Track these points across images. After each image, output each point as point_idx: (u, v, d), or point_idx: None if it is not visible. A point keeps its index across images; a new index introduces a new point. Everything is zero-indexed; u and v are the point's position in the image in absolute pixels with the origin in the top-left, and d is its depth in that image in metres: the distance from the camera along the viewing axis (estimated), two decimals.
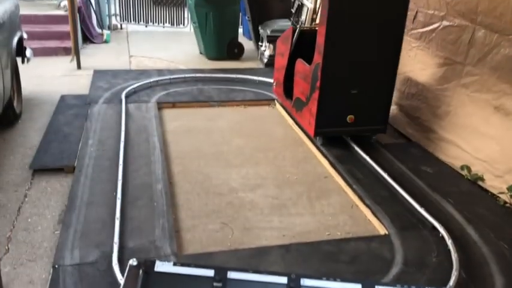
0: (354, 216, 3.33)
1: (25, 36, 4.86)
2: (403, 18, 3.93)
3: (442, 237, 2.95)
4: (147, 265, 1.16)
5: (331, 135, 4.28)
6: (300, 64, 4.39)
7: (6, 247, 2.80)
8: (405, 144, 4.51)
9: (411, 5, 4.50)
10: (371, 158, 3.95)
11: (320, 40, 3.90)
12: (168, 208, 3.19)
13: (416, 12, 4.46)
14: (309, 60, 4.15)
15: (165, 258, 2.64)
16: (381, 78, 4.09)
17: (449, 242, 2.88)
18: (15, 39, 4.46)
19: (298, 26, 4.64)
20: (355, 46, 3.90)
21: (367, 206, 3.35)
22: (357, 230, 3.16)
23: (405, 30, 4.57)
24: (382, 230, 3.12)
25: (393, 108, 4.84)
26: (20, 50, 4.64)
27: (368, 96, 4.10)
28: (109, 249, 2.71)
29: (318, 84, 3.97)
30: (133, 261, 1.16)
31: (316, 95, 4.01)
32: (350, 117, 4.11)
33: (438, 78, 4.22)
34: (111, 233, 2.84)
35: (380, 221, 3.17)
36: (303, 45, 4.50)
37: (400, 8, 3.89)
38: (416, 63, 4.51)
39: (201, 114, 5.03)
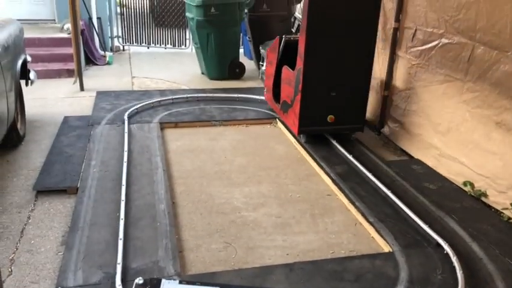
0: (358, 234, 3.32)
1: (29, 59, 4.92)
2: (375, 26, 4.43)
3: (447, 254, 2.93)
4: (153, 284, 1.16)
5: (314, 134, 4.74)
6: (286, 70, 4.85)
7: (10, 269, 2.79)
8: (407, 161, 4.51)
9: (410, 24, 4.57)
10: (373, 175, 3.95)
11: (301, 48, 4.34)
12: (171, 228, 3.18)
13: (416, 30, 4.52)
14: (294, 67, 4.59)
15: (169, 278, 2.63)
16: (357, 81, 4.56)
17: (454, 259, 2.86)
18: (20, 62, 4.52)
19: (283, 36, 5.04)
20: (332, 52, 4.36)
21: (371, 223, 3.34)
22: (361, 248, 3.15)
23: (405, 48, 4.63)
24: (386, 248, 3.10)
25: (394, 125, 4.87)
26: (24, 73, 4.70)
27: (346, 98, 4.56)
28: (112, 270, 2.70)
29: (300, 87, 4.41)
30: (139, 280, 1.16)
31: (299, 97, 4.47)
32: (330, 117, 4.57)
33: (439, 95, 4.25)
34: (114, 253, 2.84)
35: (384, 239, 3.16)
36: (289, 53, 4.84)
37: (372, 17, 4.38)
38: (417, 80, 4.54)
39: (203, 134, 5.06)
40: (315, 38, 4.24)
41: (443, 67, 4.18)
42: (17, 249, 3.00)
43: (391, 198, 3.62)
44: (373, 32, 4.41)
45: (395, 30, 4.79)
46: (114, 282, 2.58)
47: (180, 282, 1.09)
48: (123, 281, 2.60)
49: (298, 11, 7.83)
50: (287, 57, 4.90)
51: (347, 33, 4.31)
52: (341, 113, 4.57)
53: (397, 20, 4.75)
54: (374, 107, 5.21)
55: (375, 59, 5.16)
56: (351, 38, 4.34)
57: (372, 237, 3.27)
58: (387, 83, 4.98)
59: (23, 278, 2.73)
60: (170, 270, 2.74)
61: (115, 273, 2.65)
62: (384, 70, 4.99)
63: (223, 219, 3.43)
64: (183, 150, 4.61)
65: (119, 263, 2.72)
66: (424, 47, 4.42)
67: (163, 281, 1.05)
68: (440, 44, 4.19)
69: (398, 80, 4.86)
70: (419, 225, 3.26)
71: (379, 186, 3.80)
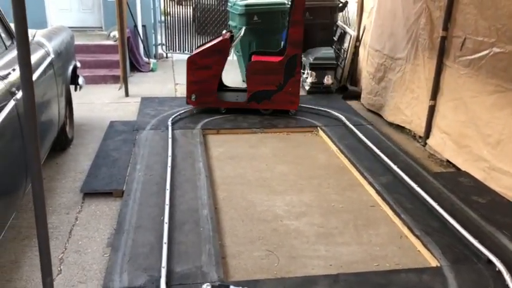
0: (403, 247, 3.24)
1: (78, 65, 5.09)
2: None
3: (499, 271, 2.81)
4: None
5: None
6: (260, 63, 5.61)
7: (59, 268, 2.87)
8: (454, 173, 4.38)
9: (459, 32, 4.45)
10: (419, 186, 3.85)
11: (297, 37, 5.41)
12: (214, 234, 3.20)
13: (465, 39, 4.39)
14: None
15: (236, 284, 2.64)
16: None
17: (507, 276, 2.74)
18: (70, 68, 4.69)
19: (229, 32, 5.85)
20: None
21: (417, 236, 3.24)
22: (407, 262, 3.06)
23: (453, 57, 4.51)
24: (433, 262, 3.00)
25: (442, 136, 4.73)
26: (74, 78, 4.86)
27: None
28: (157, 273, 2.73)
29: (297, 69, 5.49)
30: (207, 286, 1.16)
31: (298, 76, 5.54)
32: None
33: (489, 105, 4.10)
34: (159, 257, 2.87)
35: (431, 253, 3.06)
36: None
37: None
38: (465, 90, 4.41)
39: (244, 141, 5.08)
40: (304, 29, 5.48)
41: (494, 77, 4.03)
42: (65, 249, 3.09)
43: (438, 211, 3.51)
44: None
45: (443, 39, 4.67)
46: (158, 286, 2.61)
47: None
48: (168, 284, 2.63)
49: (341, 19, 7.77)
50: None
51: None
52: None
53: (445, 28, 4.63)
54: (419, 116, 5.09)
55: (420, 69, 5.07)
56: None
57: (418, 250, 3.18)
58: (433, 93, 4.85)
59: (71, 277, 2.80)
60: (213, 276, 2.74)
61: (159, 277, 2.68)
62: (431, 79, 4.87)
63: (265, 227, 3.42)
64: (224, 157, 4.64)
65: (163, 267, 2.75)
66: (473, 57, 4.29)
67: (231, 287, 1.05)
68: (492, 53, 4.05)
69: (446, 90, 4.73)
70: (468, 240, 3.14)
71: (425, 199, 3.69)
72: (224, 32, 5.90)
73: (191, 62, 5.55)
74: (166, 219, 3.27)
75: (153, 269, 2.79)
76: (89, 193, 3.81)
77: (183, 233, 3.19)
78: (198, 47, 6.01)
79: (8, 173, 2.70)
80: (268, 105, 5.67)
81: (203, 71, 5.53)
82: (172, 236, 3.14)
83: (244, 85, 7.39)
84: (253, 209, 3.66)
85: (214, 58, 5.51)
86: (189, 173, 4.08)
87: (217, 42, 5.51)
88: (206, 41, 6.15)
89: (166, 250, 2.92)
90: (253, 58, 5.86)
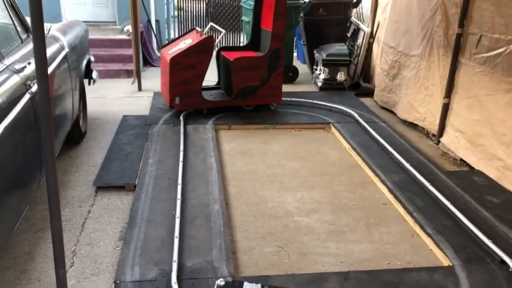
0: (415, 245, 3.21)
1: (92, 59, 5.13)
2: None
3: None
4: (235, 286, 1.16)
5: None
6: (244, 59, 5.49)
7: (72, 260, 2.91)
8: (468, 172, 4.33)
9: (475, 29, 4.39)
10: (432, 185, 3.82)
11: (279, 30, 5.40)
12: (225, 229, 3.20)
13: (480, 37, 4.33)
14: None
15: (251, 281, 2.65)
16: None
17: None
18: (84, 62, 4.72)
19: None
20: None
21: (429, 235, 3.22)
22: (419, 260, 3.04)
23: (468, 54, 4.45)
24: (445, 262, 2.98)
25: (455, 134, 4.69)
26: (88, 72, 4.90)
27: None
28: (168, 267, 2.75)
29: (281, 62, 5.52)
30: (220, 282, 1.16)
31: (280, 70, 5.56)
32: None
33: (504, 104, 4.05)
34: (170, 251, 2.89)
35: (443, 252, 3.04)
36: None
37: None
38: (480, 88, 4.35)
39: (256, 137, 5.08)
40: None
41: (510, 75, 3.97)
42: (78, 241, 3.12)
43: (450, 210, 3.48)
44: None
45: (459, 36, 4.61)
46: (169, 280, 2.63)
47: (263, 286, 1.08)
48: (179, 279, 2.65)
49: (355, 15, 7.72)
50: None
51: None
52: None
53: (461, 25, 4.57)
54: (433, 114, 5.04)
55: (435, 66, 5.01)
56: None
57: (430, 249, 3.16)
58: (448, 90, 4.80)
59: (83, 269, 2.83)
60: (224, 271, 2.75)
61: (171, 271, 2.69)
62: (445, 77, 4.82)
63: (276, 223, 3.42)
64: (236, 152, 4.64)
65: (174, 261, 2.77)
66: (489, 54, 4.23)
67: (245, 283, 1.05)
68: (508, 50, 3.99)
69: (460, 88, 4.67)
70: (481, 239, 3.11)
71: (438, 197, 3.66)
72: (196, 29, 5.70)
73: (174, 63, 5.13)
74: (178, 214, 3.29)
75: (164, 262, 2.81)
76: (102, 186, 3.84)
77: (194, 227, 3.20)
78: (169, 44, 5.76)
79: (23, 166, 2.73)
80: (252, 101, 5.60)
81: (187, 71, 5.19)
82: (183, 230, 3.15)
83: None
84: (264, 205, 3.66)
85: (200, 57, 5.20)
86: (200, 167, 4.09)
87: (203, 40, 5.19)
88: (175, 37, 5.98)
89: (177, 244, 2.94)
90: (222, 53, 5.82)
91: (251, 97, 5.56)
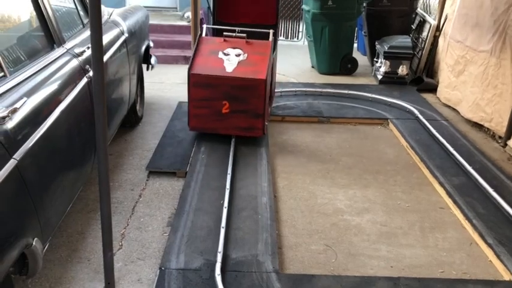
0: (473, 255, 3.01)
1: (151, 44, 5.20)
2: None
3: None
4: None
5: None
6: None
7: (120, 243, 2.96)
8: None
9: None
10: (495, 191, 3.56)
11: None
12: (272, 223, 3.15)
13: None
14: None
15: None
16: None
17: None
18: (143, 47, 4.79)
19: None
20: None
21: (489, 245, 3.01)
22: (476, 272, 2.85)
23: None
24: (506, 275, 2.77)
25: None
26: (146, 58, 4.97)
27: None
28: (213, 257, 2.73)
29: None
30: None
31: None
32: None
33: None
34: (216, 241, 2.88)
35: (504, 264, 2.83)
36: None
37: None
38: None
39: (309, 130, 4.97)
40: None
41: None
42: (127, 224, 3.18)
43: None
44: None
45: None
46: (213, 271, 2.61)
47: None
48: (222, 270, 2.63)
49: (421, 6, 7.35)
50: None
51: None
52: None
53: None
54: (501, 115, 4.71)
55: (507, 64, 4.66)
56: None
57: (490, 261, 2.95)
58: None
59: (131, 253, 2.88)
60: (269, 266, 2.70)
61: (215, 261, 2.68)
62: None
63: (324, 220, 3.32)
64: (288, 145, 4.56)
65: (219, 252, 2.75)
66: None
67: None
68: None
69: None
70: None
71: (501, 205, 3.41)
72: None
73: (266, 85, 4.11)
74: (225, 204, 3.27)
75: (209, 252, 2.79)
76: (154, 171, 3.89)
77: (241, 219, 3.17)
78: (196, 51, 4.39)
79: (78, 148, 2.80)
80: None
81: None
82: (230, 221, 3.13)
83: (313, 71, 7.24)
84: (313, 201, 3.57)
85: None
86: (250, 158, 4.05)
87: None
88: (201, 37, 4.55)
89: (223, 235, 2.92)
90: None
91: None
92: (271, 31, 4.55)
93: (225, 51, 4.34)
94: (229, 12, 5.12)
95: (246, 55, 4.29)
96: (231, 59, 4.27)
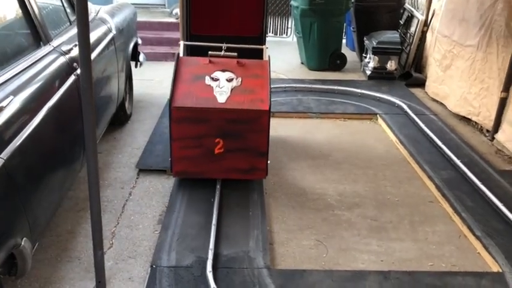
0: (462, 247, 3.05)
1: (140, 41, 5.16)
2: None
3: None
4: None
5: None
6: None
7: (111, 242, 2.95)
8: None
9: None
10: (484, 184, 3.61)
11: None
12: (263, 219, 3.16)
13: None
14: None
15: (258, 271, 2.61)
16: None
17: None
18: (131, 45, 4.75)
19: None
20: None
21: (478, 237, 3.04)
22: (465, 264, 2.89)
23: None
24: (494, 267, 2.81)
25: (511, 131, 4.41)
26: (135, 55, 4.94)
27: None
28: (204, 254, 2.74)
29: None
30: None
31: None
32: None
33: None
34: (207, 238, 2.88)
35: (492, 256, 2.86)
36: None
37: None
38: None
39: (299, 125, 4.98)
40: None
41: None
42: (118, 223, 3.16)
43: (503, 212, 3.27)
44: None
45: None
46: (205, 268, 2.62)
47: None
48: (214, 267, 2.63)
49: (409, 2, 7.39)
50: None
51: None
52: None
53: None
54: (488, 108, 4.76)
55: (493, 58, 4.71)
56: None
57: (478, 253, 2.98)
58: (507, 84, 4.50)
59: (122, 251, 2.87)
60: (260, 262, 2.71)
61: (206, 258, 2.68)
62: (504, 69, 4.51)
63: (315, 216, 3.33)
64: (278, 141, 4.56)
65: (211, 249, 2.75)
66: None
67: None
68: None
69: None
70: None
71: (489, 198, 3.45)
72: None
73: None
74: (216, 201, 3.27)
75: (200, 250, 2.79)
76: (144, 169, 3.87)
77: (231, 216, 3.17)
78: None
79: (66, 146, 2.77)
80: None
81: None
82: (221, 218, 3.13)
83: (302, 67, 7.24)
84: (304, 197, 3.58)
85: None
86: None
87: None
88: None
89: (214, 232, 2.92)
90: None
91: None
92: (264, 47, 3.85)
93: (212, 76, 3.47)
94: (206, 23, 4.12)
95: (239, 79, 3.47)
96: (222, 86, 3.44)
